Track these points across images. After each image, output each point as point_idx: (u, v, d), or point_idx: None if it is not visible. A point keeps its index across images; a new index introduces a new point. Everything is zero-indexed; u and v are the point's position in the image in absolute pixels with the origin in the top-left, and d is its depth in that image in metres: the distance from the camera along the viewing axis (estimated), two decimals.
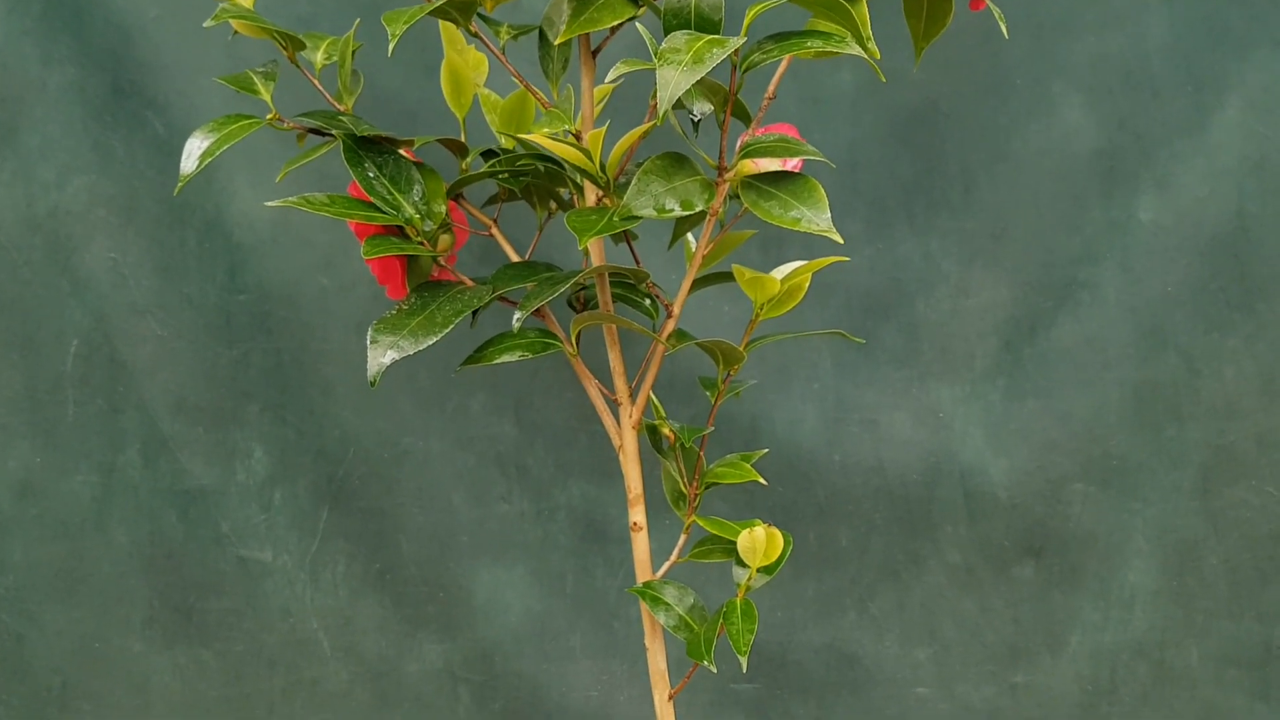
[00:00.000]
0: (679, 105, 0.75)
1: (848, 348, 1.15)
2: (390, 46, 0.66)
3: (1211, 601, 1.15)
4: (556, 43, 0.73)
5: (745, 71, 0.66)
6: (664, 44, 0.62)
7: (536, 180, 0.83)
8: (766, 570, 0.81)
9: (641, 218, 0.69)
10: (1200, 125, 1.10)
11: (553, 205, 0.87)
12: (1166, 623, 1.16)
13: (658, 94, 0.60)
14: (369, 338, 0.75)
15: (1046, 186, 1.11)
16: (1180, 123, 1.10)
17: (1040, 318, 1.13)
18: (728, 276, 0.83)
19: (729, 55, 0.61)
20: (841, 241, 0.68)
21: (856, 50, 0.62)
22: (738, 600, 0.80)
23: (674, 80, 0.59)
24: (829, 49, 0.62)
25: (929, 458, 1.15)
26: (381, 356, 0.75)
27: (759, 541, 0.79)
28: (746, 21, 0.65)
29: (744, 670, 0.75)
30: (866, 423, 1.15)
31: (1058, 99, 1.11)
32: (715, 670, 0.77)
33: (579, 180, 0.79)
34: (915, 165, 1.12)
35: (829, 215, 0.68)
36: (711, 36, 0.63)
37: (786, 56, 0.68)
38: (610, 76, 0.63)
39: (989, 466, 1.14)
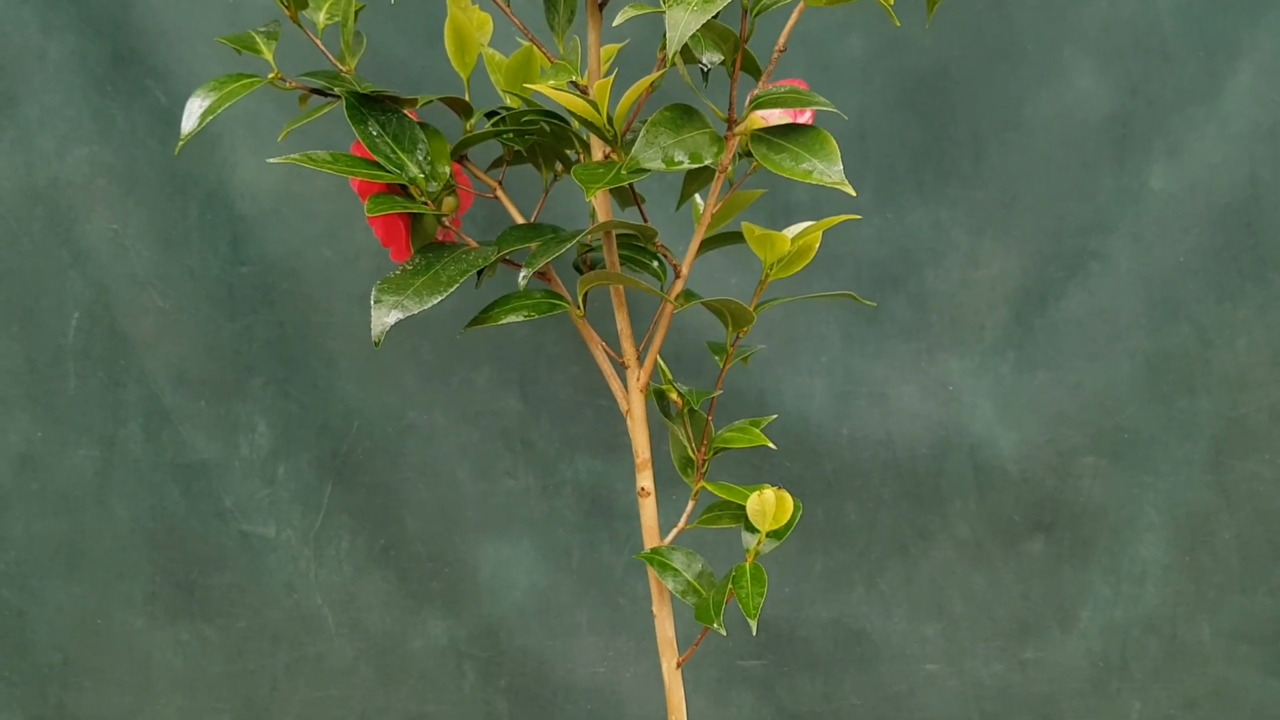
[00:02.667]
0: (689, 58, 0.73)
1: (856, 320, 1.13)
2: None
3: (1223, 576, 1.14)
4: None
5: (756, 15, 0.65)
6: None
7: (542, 139, 0.81)
8: (776, 534, 0.79)
9: (649, 170, 0.68)
10: (1213, 91, 1.09)
11: (558, 167, 0.86)
12: (1178, 598, 1.14)
13: (667, 36, 0.58)
14: (373, 297, 0.74)
15: (1057, 154, 1.10)
16: (1192, 88, 1.09)
17: (1051, 288, 1.12)
18: (736, 237, 0.82)
19: None
20: (854, 194, 0.67)
21: None
22: (747, 564, 0.79)
23: (684, 21, 0.58)
24: None
25: (938, 431, 1.14)
26: (385, 316, 0.73)
27: (769, 504, 0.78)
28: None
29: (754, 633, 0.74)
30: (875, 396, 1.14)
31: (1069, 65, 1.09)
32: (725, 633, 0.75)
33: (585, 138, 0.78)
34: (925, 132, 1.11)
35: (841, 167, 0.67)
36: None
37: (799, 4, 0.67)
38: (617, 21, 0.62)
39: (999, 439, 1.13)
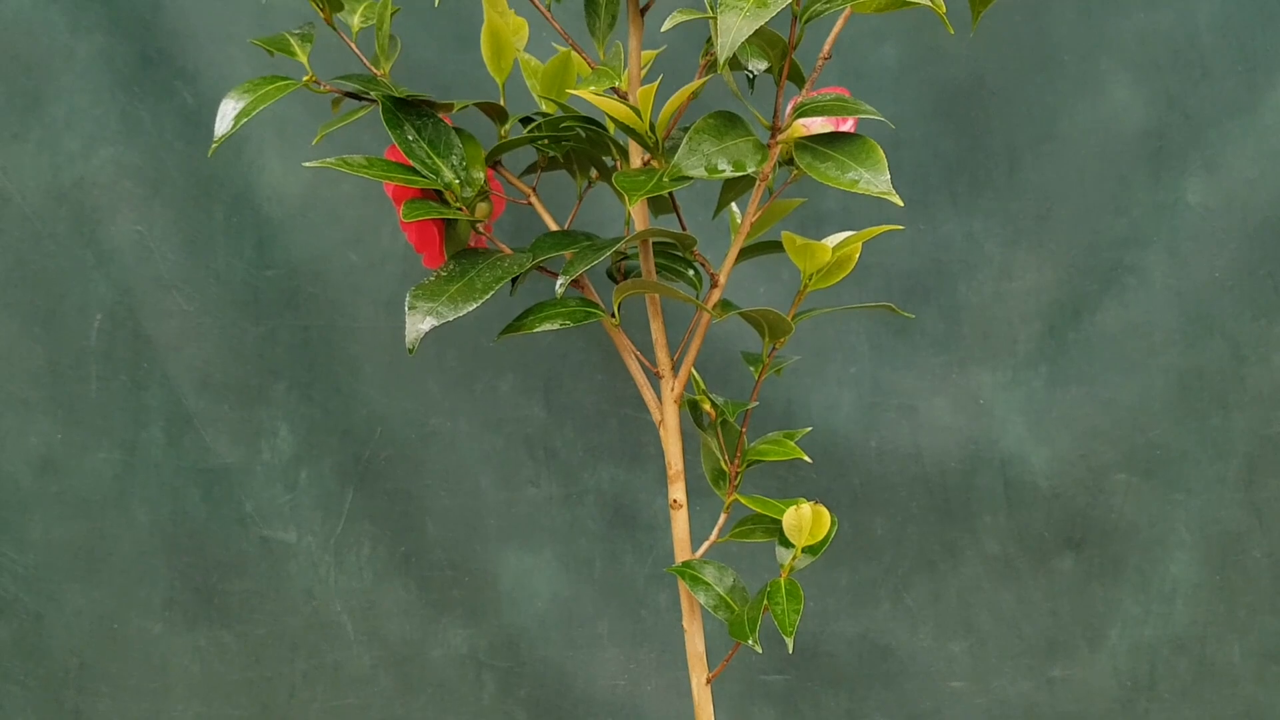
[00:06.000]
0: (735, 65, 0.72)
1: (886, 331, 1.12)
2: None
3: (1255, 596, 1.13)
4: None
5: (806, 22, 0.64)
6: None
7: (578, 146, 0.80)
8: (811, 550, 0.78)
9: (692, 178, 0.67)
10: (1251, 105, 1.08)
11: (594, 174, 0.85)
12: (1208, 617, 1.13)
13: (718, 42, 0.57)
14: (407, 304, 0.73)
15: (1093, 167, 1.09)
16: (1230, 103, 1.08)
17: (1085, 302, 1.10)
18: (774, 246, 0.81)
19: (790, 3, 0.58)
20: (901, 204, 0.66)
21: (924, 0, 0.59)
22: (782, 580, 0.78)
23: (736, 27, 0.57)
24: None
25: (968, 445, 1.12)
26: (420, 323, 0.73)
27: (805, 519, 0.77)
28: None
29: (790, 651, 0.72)
30: (905, 408, 1.13)
31: (1106, 77, 1.08)
32: (760, 650, 0.74)
33: (624, 144, 0.77)
34: (959, 143, 1.10)
35: (888, 176, 0.66)
36: None
37: (845, 10, 0.66)
38: (666, 26, 0.61)
39: (1030, 455, 1.12)
